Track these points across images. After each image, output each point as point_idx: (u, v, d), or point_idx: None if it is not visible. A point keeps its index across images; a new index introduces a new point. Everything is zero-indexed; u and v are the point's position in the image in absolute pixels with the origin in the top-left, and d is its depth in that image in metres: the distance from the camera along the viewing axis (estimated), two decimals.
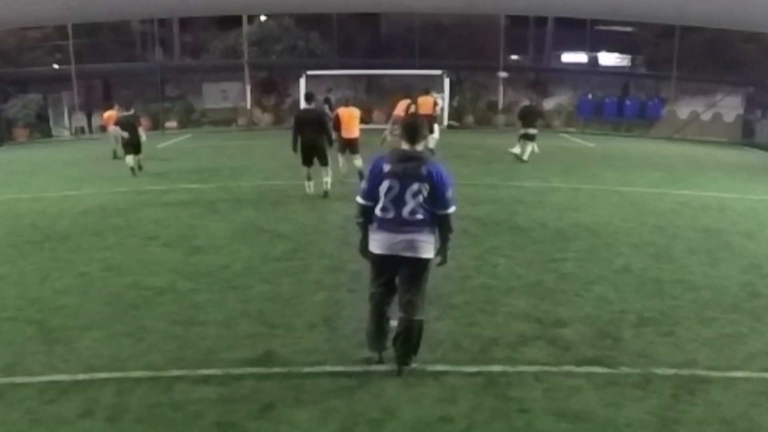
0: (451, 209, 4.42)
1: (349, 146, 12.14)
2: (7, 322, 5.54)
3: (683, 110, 26.69)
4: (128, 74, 28.19)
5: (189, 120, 28.39)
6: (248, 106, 28.00)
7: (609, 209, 10.34)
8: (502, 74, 26.93)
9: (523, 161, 15.45)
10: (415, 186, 4.32)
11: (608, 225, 9.18)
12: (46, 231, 8.92)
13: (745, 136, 24.75)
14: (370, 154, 4.89)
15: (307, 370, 4.58)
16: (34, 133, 25.81)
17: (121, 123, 14.37)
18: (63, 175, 14.50)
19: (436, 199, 4.35)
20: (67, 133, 26.62)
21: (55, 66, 27.82)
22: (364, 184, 4.57)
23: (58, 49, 27.68)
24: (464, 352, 4.90)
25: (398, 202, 4.34)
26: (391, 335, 4.57)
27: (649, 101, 27.34)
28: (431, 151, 14.11)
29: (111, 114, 17.75)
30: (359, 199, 4.53)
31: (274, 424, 3.92)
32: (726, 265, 7.31)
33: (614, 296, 6.20)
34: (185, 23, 31.19)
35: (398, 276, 4.46)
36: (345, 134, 12.04)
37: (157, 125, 26.09)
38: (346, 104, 12.99)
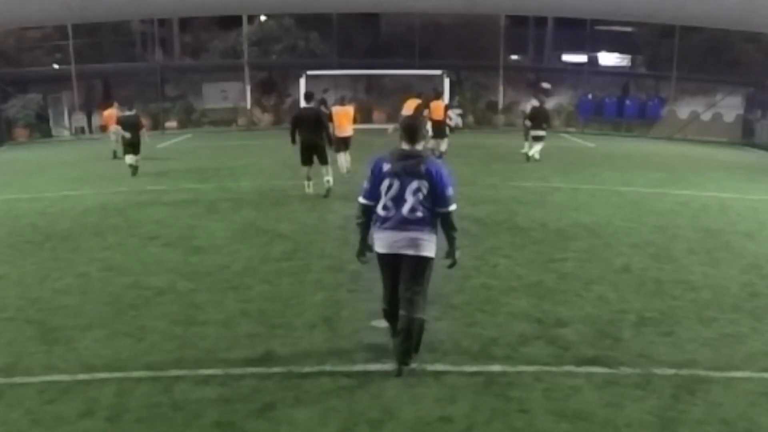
0: (452, 207, 4.44)
1: (343, 144, 12.43)
2: (7, 322, 5.55)
3: (683, 110, 26.70)
4: (128, 74, 28.19)
5: (189, 120, 28.40)
6: (248, 106, 28.02)
7: (609, 209, 10.35)
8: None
9: (536, 160, 15.60)
10: (415, 184, 4.35)
11: (608, 225, 9.18)
12: (46, 231, 8.92)
13: (745, 136, 24.77)
14: (370, 154, 4.88)
15: (307, 370, 4.58)
16: (34, 133, 25.81)
17: (122, 123, 14.38)
18: (63, 175, 14.51)
19: (436, 196, 4.37)
20: (67, 133, 26.62)
21: (55, 66, 27.83)
22: (365, 184, 4.59)
23: (58, 49, 27.68)
24: (464, 352, 4.90)
25: (398, 200, 4.38)
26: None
27: (649, 101, 27.34)
28: (441, 153, 14.17)
29: (110, 113, 17.75)
30: (361, 199, 4.57)
31: (274, 424, 3.92)
32: (726, 265, 7.31)
33: (614, 296, 6.20)
34: (185, 23, 31.23)
35: (400, 274, 4.47)
36: (338, 132, 12.20)
37: (157, 125, 26.07)
38: (341, 103, 13.05)
